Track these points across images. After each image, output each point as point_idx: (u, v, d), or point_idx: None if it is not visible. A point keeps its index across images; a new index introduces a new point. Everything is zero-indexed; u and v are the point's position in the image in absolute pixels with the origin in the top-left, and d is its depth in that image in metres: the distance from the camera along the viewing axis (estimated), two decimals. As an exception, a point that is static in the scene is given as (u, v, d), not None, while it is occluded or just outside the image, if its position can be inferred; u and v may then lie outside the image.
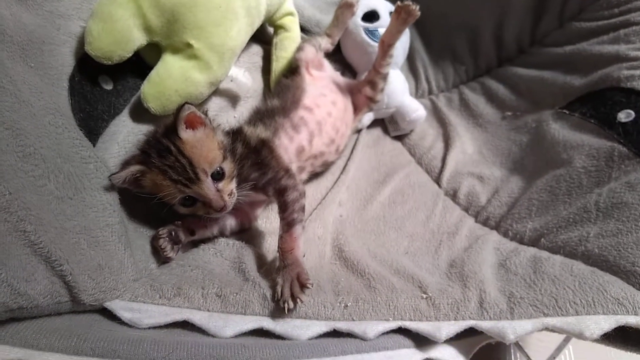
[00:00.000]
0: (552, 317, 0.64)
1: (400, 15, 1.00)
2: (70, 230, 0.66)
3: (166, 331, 0.67)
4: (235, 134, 0.87)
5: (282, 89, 1.06)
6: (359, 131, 1.28)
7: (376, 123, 1.33)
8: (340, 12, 1.19)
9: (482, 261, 0.79)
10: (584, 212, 0.82)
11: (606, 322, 0.61)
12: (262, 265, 0.83)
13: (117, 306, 0.69)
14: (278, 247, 0.78)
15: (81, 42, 0.81)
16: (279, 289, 0.70)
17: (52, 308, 0.64)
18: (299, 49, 1.11)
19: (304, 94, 1.02)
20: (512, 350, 1.13)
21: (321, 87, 1.08)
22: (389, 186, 1.10)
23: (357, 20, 1.22)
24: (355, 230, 0.97)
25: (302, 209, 0.82)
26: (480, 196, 1.05)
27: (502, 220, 0.96)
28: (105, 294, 0.69)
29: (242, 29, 0.95)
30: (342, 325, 0.67)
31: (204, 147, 0.77)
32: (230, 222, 0.93)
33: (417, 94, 1.41)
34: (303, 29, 1.23)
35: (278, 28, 1.15)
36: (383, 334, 0.66)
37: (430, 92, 1.42)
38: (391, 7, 1.26)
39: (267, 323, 0.67)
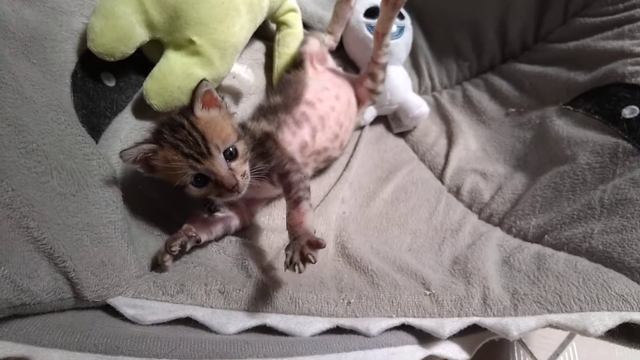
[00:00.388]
0: (556, 314, 0.64)
1: (389, 1, 0.99)
2: (73, 227, 0.67)
3: (169, 328, 0.67)
4: (241, 127, 0.87)
5: (284, 85, 1.06)
6: (361, 128, 1.28)
7: (379, 120, 1.32)
8: (338, 8, 1.19)
9: (485, 258, 0.79)
10: (588, 209, 0.82)
11: (610, 319, 0.61)
12: (265, 262, 0.83)
13: (120, 303, 0.69)
14: (287, 225, 0.75)
15: (83, 38, 0.81)
16: (289, 255, 0.67)
17: (55, 304, 0.64)
18: (304, 42, 1.11)
19: (306, 88, 1.02)
20: (515, 347, 1.13)
21: (324, 81, 1.07)
22: (392, 183, 1.10)
23: (359, 17, 1.22)
24: (358, 227, 0.97)
25: (308, 189, 0.80)
26: (484, 193, 1.04)
27: (506, 217, 0.96)
28: (108, 291, 0.69)
29: (245, 26, 0.95)
30: (345, 322, 0.67)
31: (218, 125, 0.76)
32: (235, 222, 0.93)
33: (420, 90, 1.40)
34: (305, 26, 1.22)
35: (280, 24, 1.14)
36: (386, 330, 0.66)
37: (433, 88, 1.41)
38: (394, 3, 1.26)
39: (270, 319, 0.67)
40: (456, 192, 1.09)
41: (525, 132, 1.11)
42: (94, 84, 0.83)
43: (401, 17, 1.25)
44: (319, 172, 1.11)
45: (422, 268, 0.79)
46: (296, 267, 0.64)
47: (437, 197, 1.07)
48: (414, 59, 1.39)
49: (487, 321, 0.65)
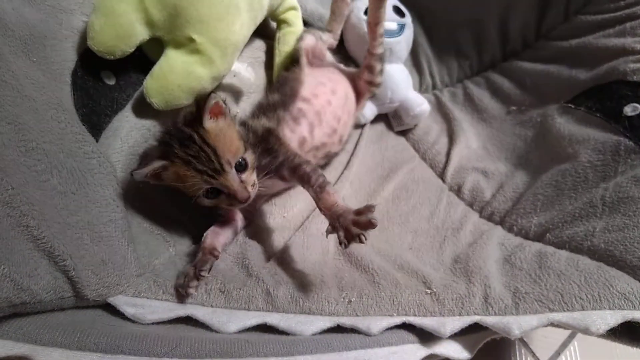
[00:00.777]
0: (557, 313, 0.64)
1: None
2: (73, 226, 0.66)
3: (170, 327, 0.67)
4: (242, 125, 0.87)
5: (281, 83, 1.06)
6: (362, 126, 1.27)
7: (380, 118, 1.32)
8: (335, 6, 1.18)
9: (486, 256, 0.79)
10: (590, 207, 0.82)
11: (612, 317, 0.61)
12: (266, 261, 0.83)
13: (120, 302, 0.69)
14: (321, 209, 0.75)
15: (83, 36, 0.81)
16: (341, 236, 0.67)
17: (56, 303, 0.64)
18: (300, 38, 1.10)
19: (302, 85, 1.02)
20: (516, 346, 1.13)
21: (320, 77, 1.07)
22: (393, 182, 1.09)
23: (359, 14, 1.21)
24: (358, 226, 0.96)
25: (324, 176, 0.80)
26: (485, 191, 1.04)
27: (507, 216, 0.96)
28: (108, 290, 0.69)
29: (245, 24, 0.95)
30: (346, 321, 0.67)
31: (227, 136, 0.76)
32: (241, 223, 0.94)
33: (421, 88, 1.40)
34: (306, 24, 1.22)
35: (281, 23, 1.14)
36: (387, 329, 0.66)
37: (434, 86, 1.41)
38: (394, 1, 1.26)
39: (271, 318, 0.67)
40: (457, 191, 1.09)
41: (527, 130, 1.11)
42: (94, 83, 0.83)
43: (402, 15, 1.25)
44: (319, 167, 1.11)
45: (423, 267, 0.78)
46: (358, 240, 0.66)
47: (438, 196, 1.06)
48: (414, 57, 1.39)
49: (489, 320, 0.65)
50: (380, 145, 1.25)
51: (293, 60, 1.11)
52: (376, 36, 1.07)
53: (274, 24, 1.17)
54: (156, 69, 0.87)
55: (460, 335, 0.66)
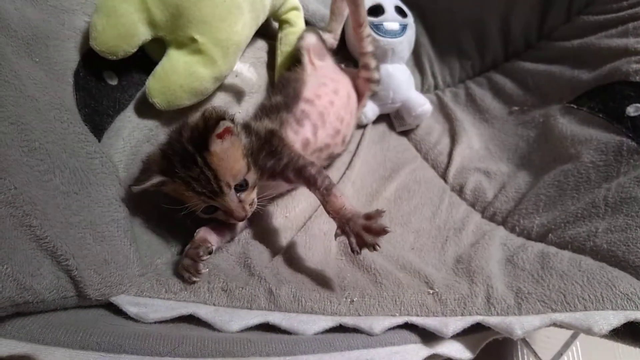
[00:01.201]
0: (560, 313, 0.64)
1: None
2: (76, 225, 0.66)
3: (172, 326, 0.67)
4: (245, 128, 0.86)
5: (283, 84, 1.05)
6: (364, 127, 1.27)
7: (382, 118, 1.32)
8: (335, 6, 1.18)
9: (489, 257, 0.79)
10: (593, 207, 0.82)
11: (615, 318, 0.61)
12: (268, 260, 0.83)
13: (123, 301, 0.69)
14: (329, 212, 0.76)
15: (86, 37, 0.81)
16: (352, 242, 0.69)
17: (58, 303, 0.64)
18: (301, 37, 1.10)
19: (304, 86, 1.02)
20: (519, 347, 1.13)
21: (322, 77, 1.07)
22: (395, 182, 1.09)
23: (362, 15, 1.21)
24: (361, 226, 0.96)
25: (329, 177, 0.80)
26: (487, 192, 1.04)
27: (509, 216, 0.96)
28: (111, 289, 0.69)
29: (247, 24, 0.95)
30: (348, 321, 0.67)
31: (231, 158, 0.76)
32: (242, 225, 0.94)
33: (423, 89, 1.40)
34: (308, 24, 1.22)
35: (283, 23, 1.14)
36: (389, 329, 0.66)
37: (436, 87, 1.41)
38: (396, 1, 1.26)
39: (273, 318, 0.67)
40: (459, 191, 1.09)
41: (529, 130, 1.10)
42: (96, 83, 0.83)
43: (404, 15, 1.25)
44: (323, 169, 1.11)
45: (425, 267, 0.78)
46: (372, 249, 0.67)
47: (440, 196, 1.06)
48: (416, 57, 1.39)
49: (491, 320, 0.65)
50: (382, 146, 1.25)
51: (295, 61, 1.11)
52: (363, 37, 1.08)
53: (276, 25, 1.17)
54: (158, 69, 0.87)
55: (462, 336, 0.65)
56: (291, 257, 0.83)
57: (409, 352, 0.64)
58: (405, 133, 1.31)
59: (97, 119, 0.81)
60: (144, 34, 0.84)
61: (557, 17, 1.19)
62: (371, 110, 1.25)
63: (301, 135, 0.96)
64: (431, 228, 0.95)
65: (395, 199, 1.05)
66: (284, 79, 1.07)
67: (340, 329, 0.67)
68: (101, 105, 0.83)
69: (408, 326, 0.67)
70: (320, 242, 0.87)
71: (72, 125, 0.73)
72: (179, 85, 0.87)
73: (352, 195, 1.06)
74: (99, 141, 0.80)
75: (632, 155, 0.83)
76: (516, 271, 0.74)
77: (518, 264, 0.76)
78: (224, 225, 0.89)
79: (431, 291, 0.71)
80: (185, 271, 0.76)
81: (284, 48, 1.14)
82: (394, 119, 1.31)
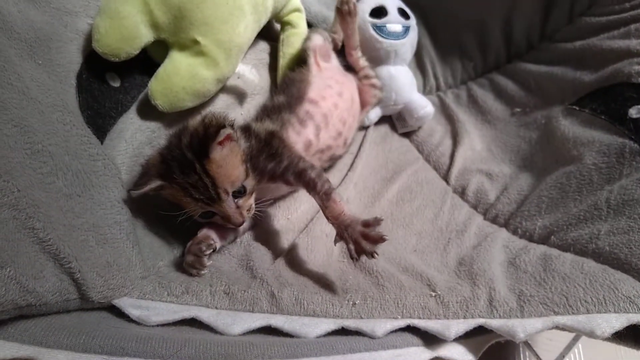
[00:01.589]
0: (562, 316, 0.64)
1: (344, 16, 1.08)
2: (78, 228, 0.67)
3: (174, 329, 0.67)
4: (245, 131, 0.86)
5: (287, 84, 1.05)
6: (366, 128, 1.27)
7: (384, 120, 1.32)
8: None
9: (491, 259, 0.79)
10: (595, 210, 0.81)
11: (617, 321, 0.60)
12: (270, 263, 0.83)
13: (125, 304, 0.69)
14: (328, 218, 0.76)
15: (88, 39, 0.81)
16: (351, 249, 0.70)
17: (61, 305, 0.64)
18: (307, 38, 1.10)
19: (309, 86, 1.02)
20: (521, 349, 1.12)
21: (327, 79, 1.07)
22: (397, 183, 1.09)
23: (364, 16, 1.21)
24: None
25: (329, 181, 0.80)
26: (489, 193, 1.04)
27: (512, 218, 0.96)
28: (113, 292, 0.69)
29: (249, 26, 0.95)
30: (350, 323, 0.67)
31: (229, 164, 0.76)
32: (245, 226, 0.93)
33: (425, 90, 1.40)
34: (310, 26, 1.22)
35: (285, 24, 1.14)
36: (391, 332, 0.66)
37: (438, 88, 1.41)
38: (399, 3, 1.26)
39: (275, 320, 0.67)
40: (461, 193, 1.09)
41: (531, 132, 1.10)
42: (99, 85, 0.83)
43: (407, 17, 1.25)
44: (323, 171, 1.10)
45: (427, 269, 0.78)
46: (371, 257, 0.68)
47: (442, 198, 1.06)
48: (418, 59, 1.39)
49: (493, 323, 0.65)
50: (384, 147, 1.25)
51: (298, 62, 1.11)
52: (357, 60, 1.17)
53: (278, 26, 1.17)
54: (161, 71, 0.87)
55: (464, 338, 0.65)
56: (293, 260, 0.83)
57: (411, 355, 0.64)
58: (407, 134, 1.31)
59: (100, 121, 0.82)
60: (146, 36, 0.84)
61: (559, 18, 1.18)
62: (373, 111, 1.25)
63: (303, 136, 0.96)
64: (433, 230, 0.95)
65: (397, 201, 1.05)
66: (288, 79, 1.07)
67: (343, 331, 0.67)
68: (104, 107, 0.83)
69: (410, 329, 0.67)
70: (322, 244, 0.87)
71: (75, 127, 0.73)
72: (182, 87, 0.87)
73: (354, 196, 1.06)
74: (102, 143, 0.80)
75: (634, 157, 0.83)
76: (518, 273, 0.74)
77: (520, 267, 0.76)
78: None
79: (433, 294, 0.71)
80: (191, 267, 0.78)
81: (286, 49, 1.13)
82: (396, 121, 1.31)
